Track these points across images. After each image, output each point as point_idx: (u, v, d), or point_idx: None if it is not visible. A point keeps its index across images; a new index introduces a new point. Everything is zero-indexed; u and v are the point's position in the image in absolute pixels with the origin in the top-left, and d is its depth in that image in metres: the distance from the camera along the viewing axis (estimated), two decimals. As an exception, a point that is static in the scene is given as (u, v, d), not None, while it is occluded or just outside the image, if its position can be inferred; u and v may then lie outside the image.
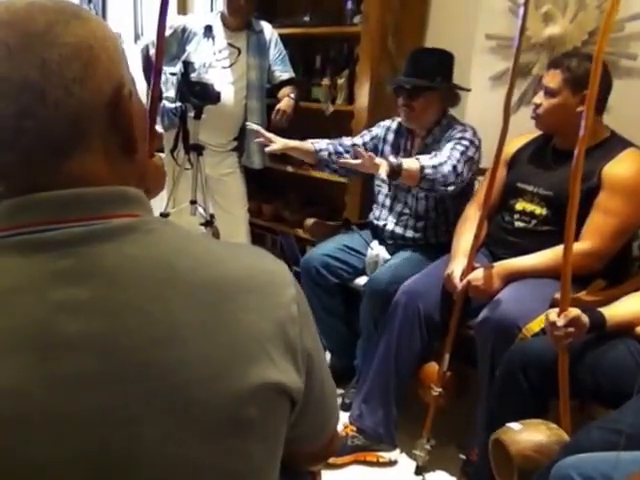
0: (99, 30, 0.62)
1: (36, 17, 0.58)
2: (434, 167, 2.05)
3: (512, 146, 2.15)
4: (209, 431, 0.58)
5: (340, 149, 2.46)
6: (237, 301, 0.62)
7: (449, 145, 2.17)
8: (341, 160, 2.11)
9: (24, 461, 0.53)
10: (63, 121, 0.58)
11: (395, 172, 1.97)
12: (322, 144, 2.46)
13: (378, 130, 2.50)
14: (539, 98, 1.97)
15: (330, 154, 2.45)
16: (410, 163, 2.03)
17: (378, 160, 1.95)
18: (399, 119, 2.44)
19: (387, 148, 2.45)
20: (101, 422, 0.55)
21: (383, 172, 1.93)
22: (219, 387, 0.59)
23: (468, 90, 2.35)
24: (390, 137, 2.45)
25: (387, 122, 2.50)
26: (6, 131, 0.57)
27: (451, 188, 2.12)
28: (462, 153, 2.15)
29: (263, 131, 2.42)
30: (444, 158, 2.11)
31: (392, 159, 1.99)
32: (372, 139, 2.49)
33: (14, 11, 0.58)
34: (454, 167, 2.10)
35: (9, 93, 0.56)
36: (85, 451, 0.54)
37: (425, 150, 2.32)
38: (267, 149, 2.39)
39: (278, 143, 2.37)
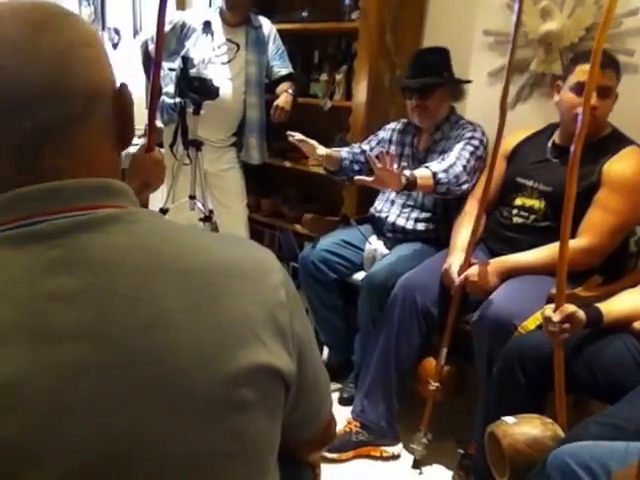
0: (92, 30, 0.67)
1: (38, 9, 0.62)
2: (445, 171, 2.10)
3: (512, 140, 2.16)
4: (204, 414, 0.59)
5: (355, 158, 2.48)
6: (222, 286, 0.63)
7: (459, 145, 2.22)
8: (357, 177, 2.12)
9: (23, 452, 0.53)
10: (81, 95, 0.62)
11: (410, 184, 2.01)
12: (344, 152, 2.48)
13: (384, 134, 2.52)
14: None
15: (351, 162, 2.48)
16: (422, 172, 2.07)
17: (395, 170, 1.96)
18: (404, 120, 2.48)
19: (393, 147, 2.46)
20: (97, 410, 0.55)
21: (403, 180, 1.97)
22: (210, 370, 0.60)
23: (469, 82, 2.38)
24: (395, 137, 2.48)
25: (392, 124, 2.53)
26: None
27: (465, 187, 2.17)
28: (472, 153, 2.19)
29: (307, 139, 2.37)
30: (453, 159, 2.15)
31: (407, 172, 2.02)
32: (379, 143, 2.51)
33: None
34: (464, 167, 2.15)
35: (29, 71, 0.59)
36: (84, 440, 0.55)
37: (432, 146, 2.35)
38: (318, 152, 2.36)
39: (320, 149, 2.37)
